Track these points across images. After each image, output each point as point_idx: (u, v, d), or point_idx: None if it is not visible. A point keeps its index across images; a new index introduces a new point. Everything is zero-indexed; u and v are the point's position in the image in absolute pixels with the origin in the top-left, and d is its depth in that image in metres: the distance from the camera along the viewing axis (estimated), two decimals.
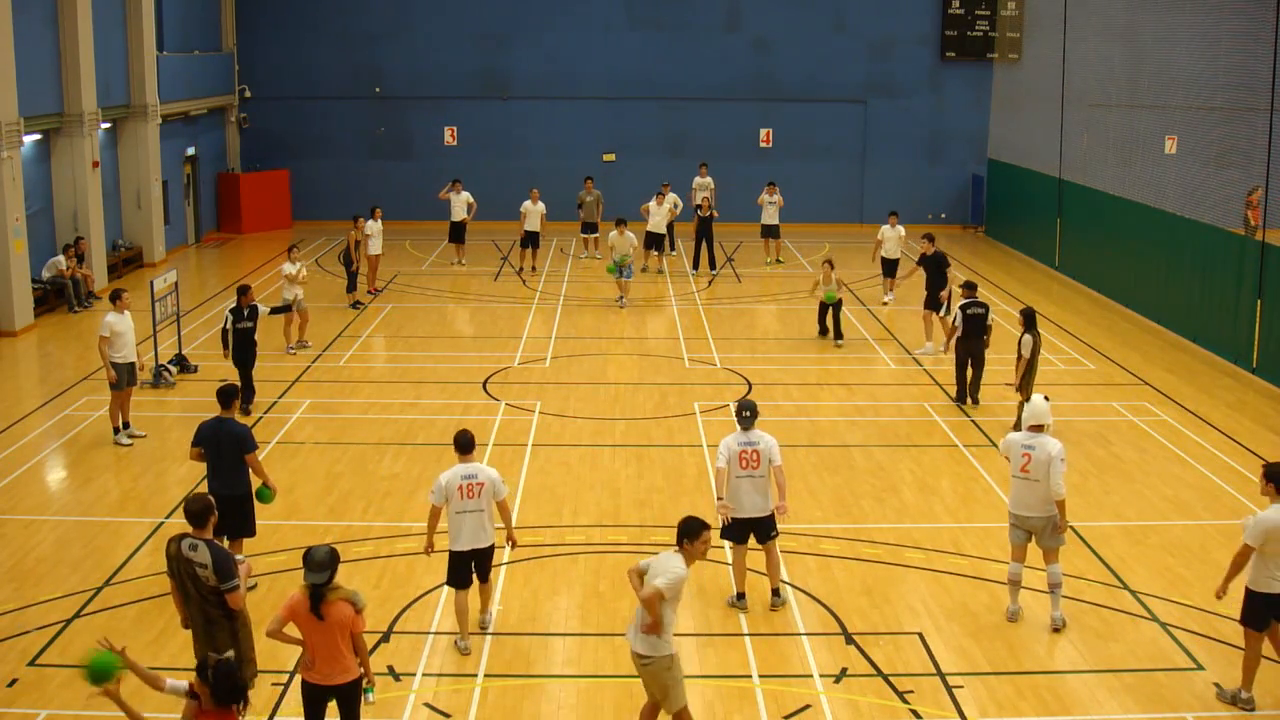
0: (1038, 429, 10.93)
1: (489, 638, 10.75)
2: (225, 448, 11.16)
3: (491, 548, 10.51)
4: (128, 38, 27.37)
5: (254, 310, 17.00)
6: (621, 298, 24.31)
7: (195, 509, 8.61)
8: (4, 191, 21.42)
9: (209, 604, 8.48)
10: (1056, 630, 10.90)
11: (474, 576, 10.50)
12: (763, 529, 11.09)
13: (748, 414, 11.04)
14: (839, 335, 21.39)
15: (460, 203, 27.69)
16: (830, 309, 21.40)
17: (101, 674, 7.10)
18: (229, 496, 11.12)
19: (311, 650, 8.07)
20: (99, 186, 25.53)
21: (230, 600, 8.45)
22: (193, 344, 20.41)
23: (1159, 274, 22.98)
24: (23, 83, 21.83)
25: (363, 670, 8.24)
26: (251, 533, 11.51)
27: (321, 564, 7.94)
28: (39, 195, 24.17)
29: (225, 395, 11.51)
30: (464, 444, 10.37)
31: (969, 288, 18.07)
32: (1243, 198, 22.45)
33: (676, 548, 8.56)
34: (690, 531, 8.52)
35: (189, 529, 8.63)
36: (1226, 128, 22.90)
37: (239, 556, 8.79)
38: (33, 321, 22.32)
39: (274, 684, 8.99)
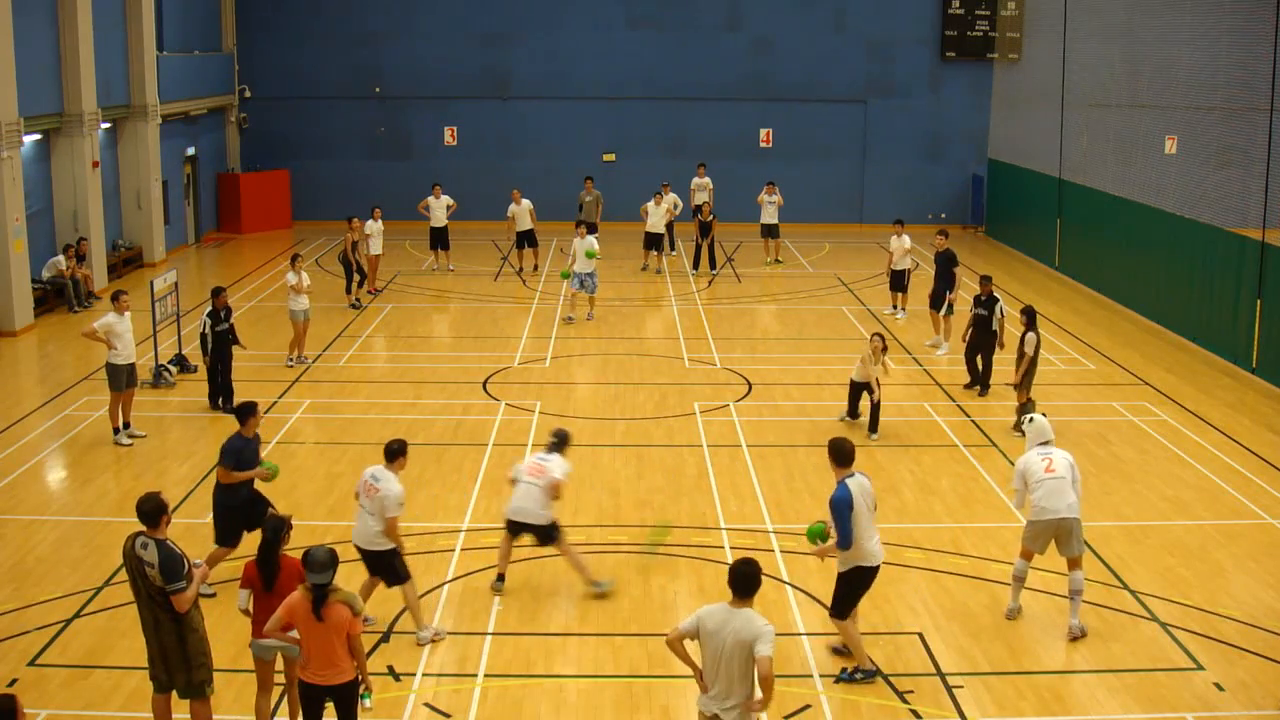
0: (1046, 444, 11.11)
1: (489, 637, 10.75)
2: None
3: (374, 554, 10.47)
4: (128, 38, 27.37)
5: (229, 311, 17.20)
6: (571, 318, 22.78)
7: (146, 508, 8.57)
8: (4, 191, 21.43)
9: (156, 604, 8.46)
10: (1075, 639, 10.75)
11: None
12: (540, 535, 11.46)
13: (554, 441, 11.71)
14: (873, 427, 16.54)
15: (440, 206, 27.23)
16: (865, 391, 16.64)
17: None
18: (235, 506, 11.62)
19: (307, 651, 8.11)
20: (99, 186, 25.53)
21: (175, 602, 8.40)
22: (193, 344, 20.39)
23: (1159, 274, 22.98)
24: (23, 83, 21.83)
25: (360, 675, 8.24)
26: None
27: (323, 564, 7.98)
28: (39, 195, 24.17)
29: (240, 412, 11.79)
30: (386, 451, 10.59)
31: (986, 281, 18.21)
32: (1245, 196, 22.41)
33: (738, 598, 7.55)
34: (759, 581, 7.61)
35: (147, 528, 8.58)
36: (1226, 127, 22.91)
37: (197, 562, 8.75)
38: (33, 321, 22.32)
39: (276, 683, 9.00)
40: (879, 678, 10.04)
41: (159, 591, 8.42)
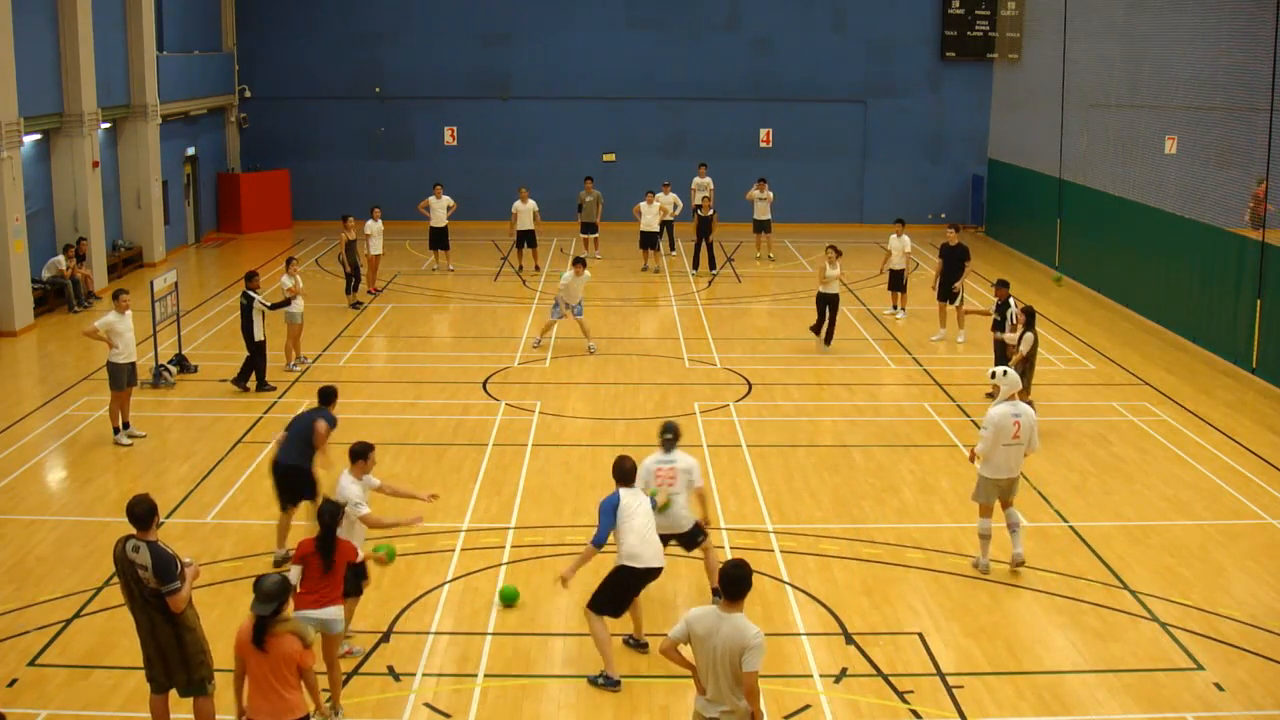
0: (1013, 398, 12.04)
1: (489, 637, 10.75)
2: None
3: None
4: (128, 38, 27.37)
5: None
6: (539, 341, 21.13)
7: (139, 511, 8.49)
8: (4, 191, 21.42)
9: (151, 606, 8.42)
10: (1021, 565, 11.94)
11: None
12: (683, 540, 11.21)
13: (670, 436, 11.20)
14: (829, 338, 20.70)
15: (441, 207, 27.19)
16: (828, 305, 20.59)
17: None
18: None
19: (251, 684, 7.71)
20: (99, 186, 25.53)
21: (170, 602, 8.37)
22: (193, 344, 20.41)
23: (1159, 274, 22.98)
24: (23, 83, 21.83)
25: (317, 708, 7.94)
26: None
27: (269, 594, 7.64)
28: (39, 195, 24.17)
29: (324, 394, 12.37)
30: (355, 450, 10.57)
31: (1003, 286, 18.07)
32: (1245, 196, 22.46)
33: (728, 602, 7.39)
34: (749, 583, 7.47)
35: (137, 530, 8.50)
36: (1226, 128, 22.91)
37: (186, 559, 8.72)
38: (33, 321, 22.32)
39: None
40: (617, 687, 9.86)
41: (153, 593, 8.40)
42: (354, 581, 10.27)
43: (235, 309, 18.85)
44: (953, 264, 21.28)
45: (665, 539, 11.10)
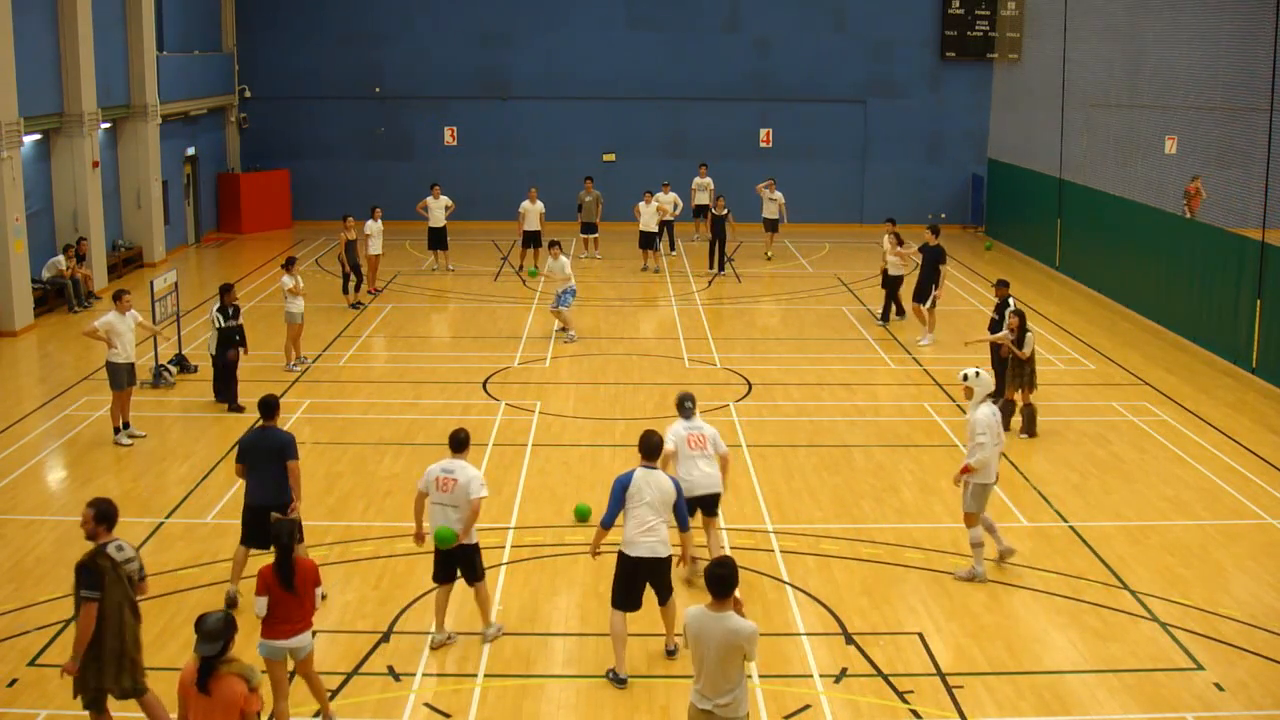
0: (987, 399, 12.01)
1: None
2: (270, 457, 10.92)
3: (465, 548, 10.35)
4: (128, 38, 27.37)
5: (236, 310, 17.55)
6: (566, 330, 21.48)
7: (113, 510, 8.57)
8: (4, 191, 21.43)
9: (130, 601, 8.51)
10: (1011, 553, 12.21)
11: (459, 575, 10.50)
12: (709, 504, 11.58)
13: (690, 404, 11.76)
14: (884, 316, 22.70)
15: (439, 207, 27.20)
16: (887, 285, 22.42)
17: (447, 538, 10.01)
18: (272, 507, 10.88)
19: None
20: (99, 186, 25.53)
21: (144, 588, 8.64)
22: (193, 344, 20.40)
23: (1159, 274, 22.98)
24: (23, 83, 21.83)
25: None
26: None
27: (213, 633, 7.11)
28: (39, 195, 24.17)
29: (268, 406, 11.21)
30: (456, 443, 10.54)
31: (1003, 285, 18.16)
32: (1246, 196, 22.46)
33: (716, 600, 7.52)
34: (734, 581, 7.56)
35: (102, 536, 8.53)
36: (1226, 128, 22.92)
37: None
38: (33, 321, 22.32)
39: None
40: (622, 685, 9.89)
41: (133, 587, 8.53)
42: (473, 570, 10.37)
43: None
44: (928, 265, 21.19)
45: (699, 500, 11.37)
